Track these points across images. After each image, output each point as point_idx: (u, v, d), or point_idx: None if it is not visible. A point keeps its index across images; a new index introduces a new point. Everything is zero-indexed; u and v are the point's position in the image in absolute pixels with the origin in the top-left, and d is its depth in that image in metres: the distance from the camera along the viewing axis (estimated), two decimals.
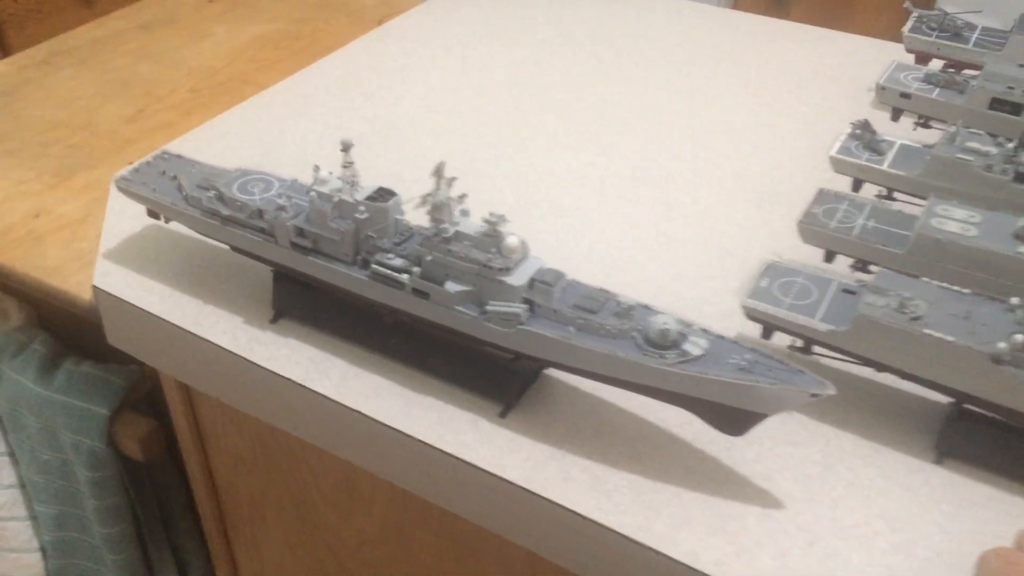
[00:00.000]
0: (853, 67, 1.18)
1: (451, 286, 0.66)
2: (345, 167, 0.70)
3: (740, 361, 0.61)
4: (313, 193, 0.70)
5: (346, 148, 0.69)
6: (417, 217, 0.71)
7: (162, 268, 0.83)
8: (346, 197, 0.69)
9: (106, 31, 1.39)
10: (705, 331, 0.63)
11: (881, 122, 0.93)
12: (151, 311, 0.79)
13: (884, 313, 0.64)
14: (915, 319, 0.63)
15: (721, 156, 1.01)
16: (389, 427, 0.69)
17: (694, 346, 0.62)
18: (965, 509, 0.63)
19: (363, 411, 0.70)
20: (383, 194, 0.70)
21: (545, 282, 0.65)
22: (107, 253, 0.85)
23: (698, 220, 0.90)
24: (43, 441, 1.03)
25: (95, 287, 0.82)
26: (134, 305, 0.79)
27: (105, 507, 1.03)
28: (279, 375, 0.73)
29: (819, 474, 0.65)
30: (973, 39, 1.01)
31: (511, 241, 0.65)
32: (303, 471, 0.86)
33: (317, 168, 0.72)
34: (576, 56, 1.22)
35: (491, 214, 0.65)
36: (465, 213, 0.68)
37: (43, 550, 1.12)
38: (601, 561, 0.64)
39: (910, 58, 1.05)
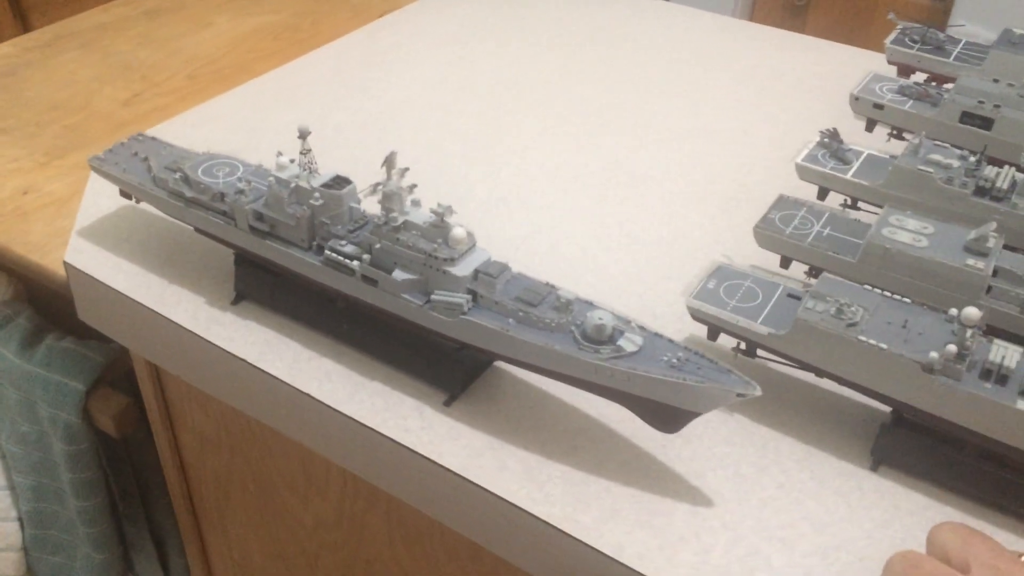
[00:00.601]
0: (838, 77, 1.18)
1: (398, 274, 0.68)
2: (303, 154, 0.71)
3: (672, 359, 0.62)
4: (272, 178, 0.72)
5: (303, 136, 0.71)
6: (375, 206, 0.72)
7: (132, 247, 0.85)
8: (303, 183, 0.71)
9: (111, 16, 1.42)
10: (642, 328, 0.64)
11: (857, 132, 0.93)
12: (118, 288, 0.81)
13: (821, 318, 0.65)
14: (851, 325, 0.64)
15: (694, 160, 1.01)
16: (336, 411, 0.70)
17: (629, 342, 0.63)
18: (894, 516, 0.64)
19: (312, 394, 0.72)
20: (339, 182, 0.71)
21: (488, 274, 0.66)
22: (81, 231, 0.87)
23: (664, 222, 0.91)
24: (22, 413, 1.06)
25: (66, 263, 0.84)
26: (102, 282, 0.81)
27: (80, 480, 1.05)
28: (235, 356, 0.75)
29: (752, 475, 0.66)
30: (955, 53, 1.01)
31: (457, 232, 0.66)
32: (264, 453, 0.88)
33: (279, 154, 0.73)
34: (563, 57, 1.23)
35: (439, 204, 0.67)
36: (416, 203, 0.69)
37: (21, 520, 1.14)
38: (531, 551, 0.65)
39: (891, 70, 1.05)
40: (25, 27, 1.99)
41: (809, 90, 1.16)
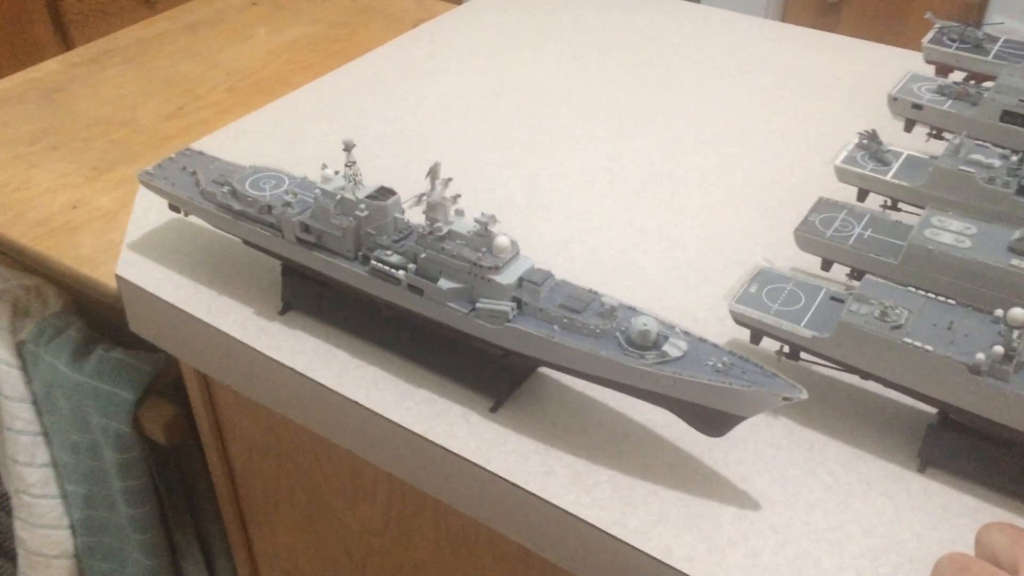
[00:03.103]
0: (874, 77, 1.17)
1: (444, 283, 0.69)
2: (348, 166, 0.72)
3: (717, 363, 0.62)
4: (318, 190, 0.73)
5: (348, 148, 0.72)
6: (419, 216, 0.73)
7: (181, 259, 0.87)
8: (348, 195, 0.72)
9: (153, 31, 1.45)
10: (686, 333, 0.65)
11: (895, 133, 0.93)
12: (168, 300, 0.82)
13: (866, 321, 0.65)
14: (896, 327, 0.64)
15: (732, 163, 1.02)
16: (384, 418, 0.72)
17: (674, 347, 0.63)
18: (942, 518, 0.64)
19: (361, 402, 0.73)
20: (384, 193, 0.73)
21: (533, 281, 0.67)
22: (131, 244, 0.89)
23: (703, 225, 0.92)
24: (74, 423, 1.08)
25: (118, 275, 0.86)
26: (153, 294, 0.83)
27: (131, 488, 1.08)
28: (284, 365, 0.76)
29: (799, 477, 0.66)
30: (994, 51, 1.01)
31: (501, 241, 0.67)
32: (311, 460, 0.90)
33: (324, 166, 0.75)
34: (597, 63, 1.23)
35: (482, 214, 0.68)
36: (460, 213, 0.70)
37: (73, 527, 1.17)
38: (579, 554, 0.66)
39: (929, 69, 1.04)
40: (66, 41, 2.03)
41: (845, 90, 1.15)
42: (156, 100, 1.27)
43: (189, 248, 0.88)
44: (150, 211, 0.93)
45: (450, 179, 0.69)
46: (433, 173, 0.68)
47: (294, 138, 1.06)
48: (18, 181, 1.10)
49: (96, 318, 1.11)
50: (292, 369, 0.76)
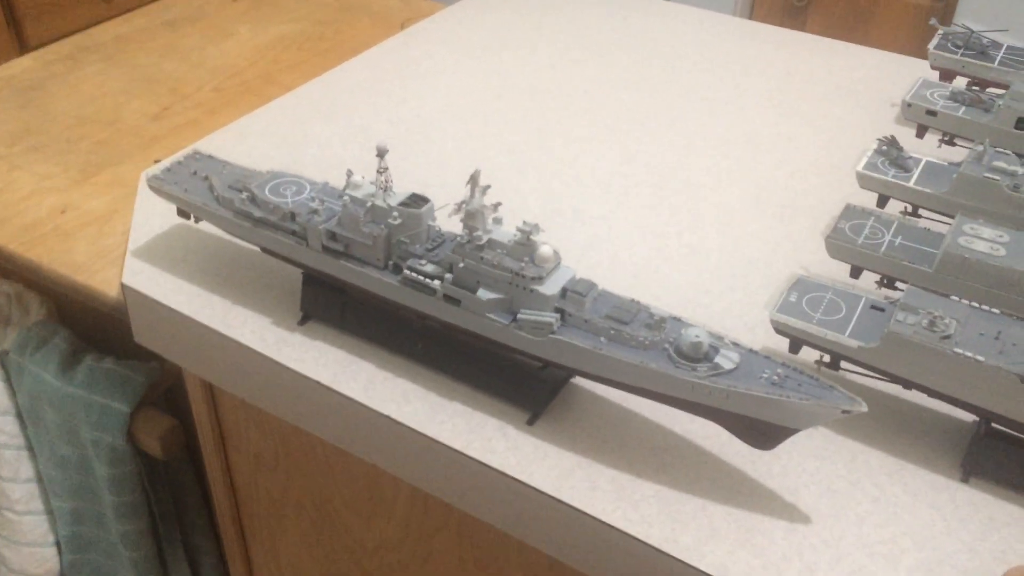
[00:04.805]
0: (874, 81, 1.18)
1: (483, 293, 0.67)
2: (380, 172, 0.70)
3: (772, 375, 0.61)
4: (346, 197, 0.71)
5: (381, 154, 0.70)
6: (446, 223, 0.71)
7: (190, 267, 0.83)
8: (379, 202, 0.70)
9: (131, 28, 1.40)
10: (736, 344, 0.64)
11: (905, 138, 0.93)
12: (180, 310, 0.79)
13: (915, 331, 0.64)
14: (946, 338, 0.64)
15: (743, 167, 1.01)
16: (417, 432, 0.69)
17: (726, 359, 0.62)
18: (991, 528, 0.63)
19: (391, 415, 0.70)
20: (416, 200, 0.70)
21: (578, 292, 0.65)
22: (136, 251, 0.85)
23: (721, 231, 0.91)
24: (62, 436, 1.04)
25: (124, 285, 0.82)
26: (163, 304, 0.80)
27: (123, 503, 1.04)
28: (307, 377, 0.74)
29: (845, 489, 0.66)
30: (999, 57, 1.02)
31: (545, 250, 0.65)
32: (325, 473, 0.87)
33: (350, 172, 0.72)
34: (598, 63, 1.22)
35: (524, 223, 0.66)
36: (498, 221, 0.68)
37: (58, 545, 1.12)
38: (625, 570, 0.64)
39: (934, 75, 1.05)
40: (20, 36, 1.96)
41: (846, 95, 1.15)
42: (140, 99, 1.22)
43: (198, 256, 0.84)
44: (153, 216, 0.89)
45: (488, 186, 0.67)
46: (473, 180, 0.66)
47: (296, 140, 1.03)
48: (0, 184, 1.06)
49: (81, 327, 1.07)
50: (317, 382, 0.73)
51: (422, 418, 0.70)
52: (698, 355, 0.62)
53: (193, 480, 1.11)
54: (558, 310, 0.66)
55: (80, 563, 1.12)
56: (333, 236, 0.72)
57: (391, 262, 0.71)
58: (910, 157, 0.86)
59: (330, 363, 0.75)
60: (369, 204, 0.70)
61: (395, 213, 0.69)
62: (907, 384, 0.67)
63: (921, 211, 0.85)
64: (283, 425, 0.86)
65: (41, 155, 1.10)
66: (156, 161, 1.04)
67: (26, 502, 1.09)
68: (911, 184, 0.83)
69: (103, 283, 0.91)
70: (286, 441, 0.88)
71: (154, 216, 0.89)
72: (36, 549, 1.11)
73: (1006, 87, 0.93)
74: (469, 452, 0.67)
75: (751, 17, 2.40)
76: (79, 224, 0.99)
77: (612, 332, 0.64)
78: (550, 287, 0.65)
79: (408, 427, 0.70)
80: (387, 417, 0.71)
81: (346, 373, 0.74)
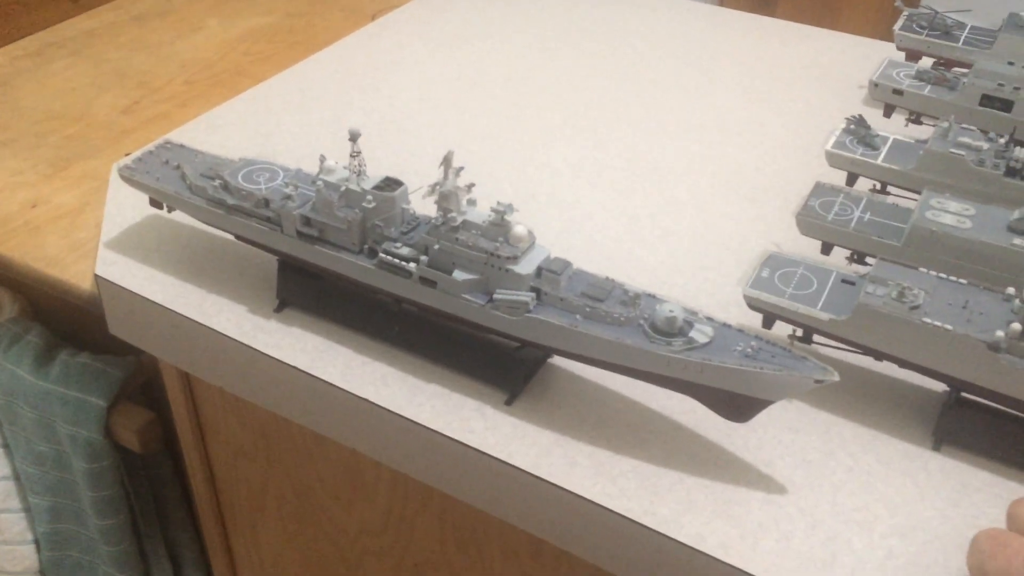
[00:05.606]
0: (841, 64, 1.19)
1: (459, 274, 0.67)
2: (353, 156, 0.70)
3: (745, 348, 0.62)
4: (320, 182, 0.71)
5: (354, 138, 0.70)
6: (421, 207, 0.72)
7: (164, 257, 0.83)
8: (353, 186, 0.70)
9: (99, 23, 1.39)
10: (710, 319, 0.64)
11: (873, 118, 0.94)
12: (155, 300, 0.79)
13: (884, 302, 0.65)
14: (914, 308, 0.65)
15: (715, 151, 1.02)
16: (396, 414, 0.70)
17: (700, 334, 0.63)
18: (963, 494, 0.65)
19: (370, 399, 0.71)
20: (390, 183, 0.71)
21: (552, 271, 0.66)
22: (108, 243, 0.85)
23: (693, 213, 0.92)
24: (38, 433, 1.03)
25: (97, 276, 0.82)
26: (137, 294, 0.80)
27: (102, 498, 1.03)
28: (285, 363, 0.74)
29: (820, 460, 0.67)
30: (963, 37, 1.03)
31: (519, 230, 0.66)
32: (305, 461, 0.87)
33: (323, 158, 0.72)
34: (569, 51, 1.23)
35: (499, 203, 0.66)
36: (472, 203, 0.68)
37: (37, 542, 1.12)
38: (606, 545, 0.65)
39: (901, 56, 1.06)
40: None
41: (814, 78, 1.17)
42: (110, 94, 1.21)
43: (172, 245, 0.84)
44: (124, 207, 0.89)
45: (462, 168, 0.68)
46: (446, 162, 0.67)
47: (268, 130, 1.03)
48: None
49: (56, 322, 1.06)
50: (295, 367, 0.73)
51: (400, 401, 0.70)
52: (673, 330, 0.63)
53: (172, 473, 1.10)
54: (533, 289, 0.66)
55: (59, 560, 1.12)
56: (307, 221, 0.72)
57: (366, 246, 0.71)
58: (878, 135, 0.87)
59: (308, 349, 0.75)
60: (343, 188, 0.70)
61: (369, 197, 0.69)
62: (878, 355, 0.68)
63: (890, 188, 0.86)
64: (262, 414, 0.86)
65: (10, 150, 1.10)
66: (127, 154, 1.03)
67: (3, 500, 1.08)
68: (879, 161, 0.84)
69: (76, 276, 0.91)
70: (265, 431, 0.88)
71: (126, 207, 0.88)
72: (14, 547, 1.10)
73: (970, 66, 0.94)
74: (448, 433, 0.68)
75: (721, 4, 2.42)
76: (50, 218, 0.99)
77: (587, 310, 0.65)
78: (525, 267, 0.66)
79: (387, 410, 0.70)
80: (366, 400, 0.71)
81: (324, 358, 0.74)
